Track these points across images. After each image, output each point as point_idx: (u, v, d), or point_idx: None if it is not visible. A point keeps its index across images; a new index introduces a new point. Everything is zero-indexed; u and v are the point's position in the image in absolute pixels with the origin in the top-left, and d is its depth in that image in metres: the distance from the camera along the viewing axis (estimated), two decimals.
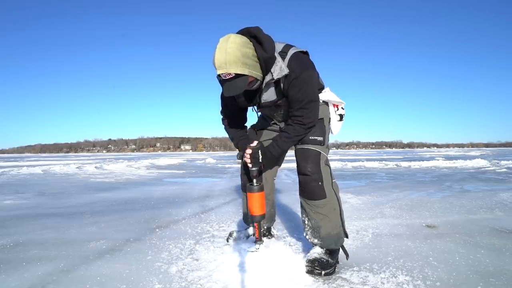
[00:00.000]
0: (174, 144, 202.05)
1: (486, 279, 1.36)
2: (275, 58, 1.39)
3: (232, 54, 1.26)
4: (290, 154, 1.96)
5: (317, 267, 1.42)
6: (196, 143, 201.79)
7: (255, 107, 1.64)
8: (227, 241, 1.90)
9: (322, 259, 1.45)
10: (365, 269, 1.47)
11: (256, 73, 1.35)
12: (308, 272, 1.42)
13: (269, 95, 1.50)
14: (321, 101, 1.61)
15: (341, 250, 1.59)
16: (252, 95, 1.52)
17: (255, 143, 1.52)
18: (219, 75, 1.32)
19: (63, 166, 10.42)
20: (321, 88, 1.63)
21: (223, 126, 1.76)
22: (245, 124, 1.77)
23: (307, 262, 1.45)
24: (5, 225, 2.39)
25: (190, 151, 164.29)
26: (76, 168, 9.77)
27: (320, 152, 1.53)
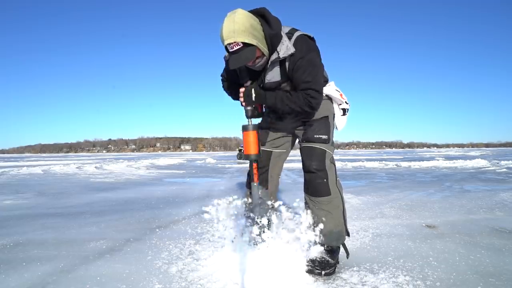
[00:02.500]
0: (174, 144, 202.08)
1: (486, 279, 1.36)
2: (281, 36, 1.38)
3: (240, 23, 1.26)
4: (292, 154, 1.96)
5: (317, 267, 1.42)
6: (196, 143, 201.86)
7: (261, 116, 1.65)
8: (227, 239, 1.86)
9: (323, 259, 1.45)
10: (365, 269, 1.47)
11: (263, 47, 1.35)
12: (308, 271, 1.42)
13: (273, 75, 1.48)
14: (324, 95, 1.59)
15: (342, 248, 1.59)
16: (256, 76, 1.51)
17: (248, 82, 1.51)
18: (226, 48, 1.32)
19: (63, 166, 10.42)
20: (325, 81, 1.62)
21: (222, 84, 1.73)
22: None
23: (307, 262, 1.46)
24: (5, 225, 2.39)
25: (190, 151, 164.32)
26: (76, 168, 9.77)
27: (326, 150, 1.53)
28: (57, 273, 1.44)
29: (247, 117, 1.50)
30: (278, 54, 1.39)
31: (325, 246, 1.52)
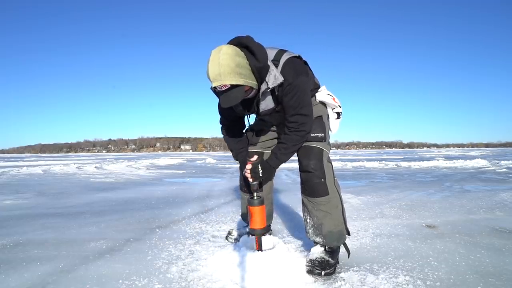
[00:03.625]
0: (174, 144, 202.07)
1: (486, 279, 1.36)
2: (268, 67, 1.38)
3: (225, 65, 1.25)
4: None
5: (317, 267, 1.42)
6: (196, 143, 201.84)
7: (255, 117, 1.66)
8: (226, 239, 1.90)
9: (323, 259, 1.45)
10: (365, 269, 1.47)
11: (252, 81, 1.34)
12: (308, 272, 1.42)
13: (267, 104, 1.49)
14: (317, 101, 1.61)
15: (342, 248, 1.59)
16: (249, 104, 1.51)
17: (255, 157, 1.53)
18: (214, 87, 1.32)
19: (63, 166, 10.42)
20: (317, 87, 1.63)
21: (222, 135, 1.77)
22: (244, 131, 1.78)
23: (307, 262, 1.46)
24: (5, 225, 2.39)
25: (190, 151, 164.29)
26: (76, 168, 9.77)
27: (323, 149, 1.54)
28: (57, 273, 1.44)
29: (253, 191, 1.50)
30: (267, 84, 1.39)
31: (326, 247, 1.52)
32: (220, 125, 1.76)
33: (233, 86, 1.29)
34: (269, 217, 1.90)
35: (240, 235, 1.89)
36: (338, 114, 1.65)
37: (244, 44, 1.34)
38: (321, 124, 1.59)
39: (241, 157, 1.71)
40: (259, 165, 1.49)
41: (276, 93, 1.44)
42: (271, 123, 1.72)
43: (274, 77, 1.37)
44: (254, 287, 1.29)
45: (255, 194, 1.48)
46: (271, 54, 1.41)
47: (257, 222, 1.44)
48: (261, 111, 1.52)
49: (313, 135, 1.54)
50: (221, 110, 1.66)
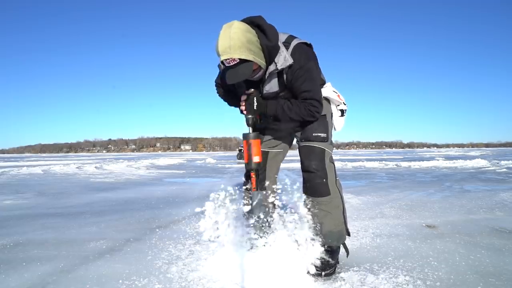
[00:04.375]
0: (174, 144, 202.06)
1: (486, 279, 1.36)
2: (279, 47, 1.36)
3: (236, 39, 1.23)
4: (290, 154, 1.96)
5: (317, 268, 1.42)
6: (196, 143, 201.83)
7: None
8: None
9: (323, 259, 1.45)
10: (365, 269, 1.47)
11: (260, 60, 1.33)
12: (308, 272, 1.42)
13: (271, 86, 1.47)
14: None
15: (342, 248, 1.59)
16: (253, 86, 1.49)
17: (251, 90, 1.48)
18: (222, 62, 1.29)
19: (63, 166, 10.42)
20: (323, 83, 1.62)
21: (217, 90, 1.69)
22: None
23: (307, 262, 1.45)
24: (5, 225, 2.39)
25: (190, 151, 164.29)
26: (76, 168, 9.77)
27: (325, 150, 1.52)
28: (57, 273, 1.44)
29: (248, 125, 1.46)
30: (276, 65, 1.37)
31: (326, 247, 1.52)
32: (215, 84, 1.67)
33: (241, 61, 1.27)
34: (272, 213, 1.89)
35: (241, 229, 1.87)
36: (342, 111, 1.64)
37: (256, 23, 1.33)
38: (324, 123, 1.57)
39: (231, 97, 1.61)
40: (254, 98, 1.43)
41: (285, 76, 1.41)
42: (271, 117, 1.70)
43: (284, 58, 1.36)
44: (254, 287, 1.29)
45: (250, 129, 1.44)
46: (282, 37, 1.41)
47: (253, 156, 1.41)
48: (264, 92, 1.49)
49: (315, 135, 1.52)
50: (222, 82, 1.60)
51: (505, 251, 1.71)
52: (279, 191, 1.89)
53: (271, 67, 1.39)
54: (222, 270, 1.42)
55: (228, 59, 1.26)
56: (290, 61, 1.35)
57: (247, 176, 1.64)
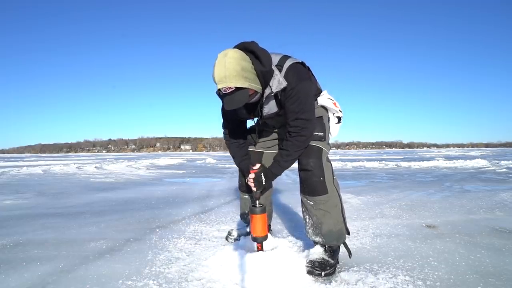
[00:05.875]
0: (174, 144, 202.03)
1: (486, 279, 1.36)
2: (273, 71, 1.40)
3: (231, 68, 1.28)
4: None
5: (317, 268, 1.42)
6: (196, 143, 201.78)
7: (257, 119, 1.67)
8: (226, 240, 1.91)
9: (323, 260, 1.45)
10: (365, 269, 1.47)
11: (256, 85, 1.37)
12: (308, 272, 1.42)
13: (270, 108, 1.51)
14: (318, 105, 1.63)
15: (342, 248, 1.59)
16: (252, 108, 1.53)
17: (257, 166, 1.55)
18: (219, 90, 1.34)
19: (63, 166, 10.42)
20: (319, 92, 1.65)
21: (225, 141, 1.77)
22: (246, 140, 1.79)
23: (307, 263, 1.45)
24: (5, 225, 2.39)
25: (190, 151, 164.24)
26: (76, 168, 9.77)
27: (322, 148, 1.54)
28: (57, 273, 1.44)
29: (256, 198, 1.51)
30: (271, 89, 1.41)
31: (326, 247, 1.52)
32: (223, 130, 1.76)
33: (237, 89, 1.32)
34: (269, 217, 1.90)
35: (240, 235, 1.89)
36: (339, 118, 1.66)
37: (249, 49, 1.37)
38: (321, 123, 1.59)
39: (244, 165, 1.71)
40: (262, 174, 1.51)
41: (279, 97, 1.45)
42: (273, 126, 1.73)
43: (277, 82, 1.40)
44: (254, 287, 1.29)
45: (257, 202, 1.49)
46: (275, 59, 1.44)
47: (259, 230, 1.46)
48: (264, 114, 1.54)
49: (313, 133, 1.55)
50: (224, 113, 1.68)
51: (505, 251, 1.71)
52: (281, 193, 1.89)
53: (267, 91, 1.43)
54: (222, 270, 1.42)
55: (224, 87, 1.31)
56: (283, 84, 1.40)
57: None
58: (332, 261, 1.47)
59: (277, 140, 1.79)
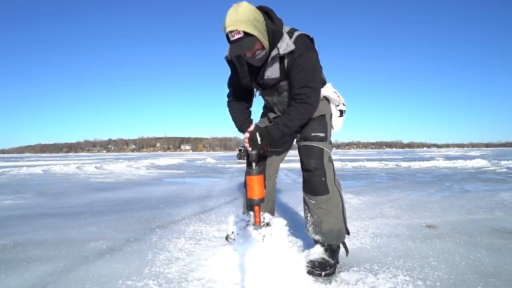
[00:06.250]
0: (174, 144, 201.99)
1: (486, 279, 1.36)
2: (282, 34, 1.41)
3: (243, 14, 1.30)
4: (291, 154, 1.96)
5: (317, 268, 1.42)
6: (196, 143, 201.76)
7: (258, 92, 1.66)
8: (226, 239, 1.91)
9: (323, 260, 1.46)
10: (365, 269, 1.47)
11: (264, 40, 1.37)
12: (309, 272, 1.42)
13: (272, 71, 1.50)
14: (321, 96, 1.60)
15: (341, 247, 1.60)
16: (256, 73, 1.53)
17: (252, 127, 1.52)
18: (227, 37, 1.34)
19: (63, 166, 10.42)
20: (323, 82, 1.64)
21: (228, 110, 1.74)
22: (250, 109, 1.75)
23: (307, 263, 1.46)
24: (5, 225, 2.39)
25: (190, 151, 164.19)
26: (76, 168, 9.77)
27: (323, 149, 1.54)
28: (57, 273, 1.44)
29: (252, 161, 1.46)
30: (279, 50, 1.41)
31: (325, 246, 1.53)
32: (227, 99, 1.74)
33: (246, 35, 1.31)
34: (270, 214, 1.90)
35: (240, 234, 1.89)
36: (341, 112, 1.65)
37: (264, 10, 1.40)
38: (323, 123, 1.59)
39: (245, 129, 1.65)
40: (257, 133, 1.47)
41: (286, 61, 1.44)
42: (275, 113, 1.72)
43: (286, 45, 1.40)
44: (254, 287, 1.29)
45: (253, 164, 1.45)
46: (286, 28, 1.46)
47: (256, 192, 1.42)
48: (265, 78, 1.52)
49: (314, 134, 1.55)
50: (231, 79, 1.68)
51: (505, 251, 1.71)
52: (281, 192, 1.90)
53: (274, 52, 1.42)
54: (222, 270, 1.42)
55: (234, 31, 1.30)
56: (292, 47, 1.39)
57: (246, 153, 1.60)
58: (332, 261, 1.47)
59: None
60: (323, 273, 1.40)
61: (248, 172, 1.46)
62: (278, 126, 1.47)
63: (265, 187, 1.63)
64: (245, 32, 1.30)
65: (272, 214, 1.94)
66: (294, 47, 1.39)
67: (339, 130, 1.70)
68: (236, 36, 1.31)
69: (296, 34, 1.43)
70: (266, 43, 1.38)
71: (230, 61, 1.60)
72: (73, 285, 1.32)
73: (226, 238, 1.95)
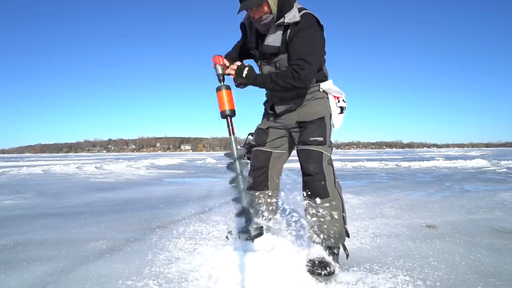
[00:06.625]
0: (174, 144, 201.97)
1: (486, 279, 1.36)
2: (292, 6, 1.46)
3: None
4: (292, 153, 1.96)
5: (317, 267, 1.42)
6: (196, 143, 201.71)
7: (258, 63, 1.69)
8: (227, 239, 1.91)
9: (323, 259, 1.46)
10: (365, 269, 1.47)
11: (273, 4, 1.43)
12: (309, 271, 1.42)
13: (274, 39, 1.53)
14: (321, 90, 1.61)
15: (341, 249, 1.59)
16: (261, 38, 1.59)
17: (238, 63, 1.55)
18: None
19: (63, 166, 10.42)
20: (325, 76, 1.64)
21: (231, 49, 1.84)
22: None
23: (308, 262, 1.46)
24: (5, 225, 2.40)
25: (190, 151, 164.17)
26: (76, 168, 9.78)
27: (323, 152, 1.53)
28: (57, 273, 1.44)
29: (220, 81, 1.52)
30: (284, 19, 1.46)
31: (325, 247, 1.52)
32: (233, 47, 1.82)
33: None
34: (274, 213, 1.92)
35: (240, 235, 1.89)
36: (342, 108, 1.64)
37: None
38: (322, 126, 1.57)
39: (230, 55, 1.76)
40: (247, 68, 1.51)
41: (288, 32, 1.47)
42: (272, 108, 1.72)
43: (292, 16, 1.45)
44: (254, 287, 1.29)
45: (223, 82, 1.51)
46: (298, 5, 1.51)
47: (226, 103, 1.45)
48: (265, 44, 1.55)
49: (312, 139, 1.54)
50: (237, 42, 1.78)
51: (505, 251, 1.71)
52: (281, 193, 1.91)
53: (279, 20, 1.47)
54: (222, 270, 1.42)
55: None
56: (297, 18, 1.44)
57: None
58: (332, 261, 1.47)
59: (285, 138, 1.76)
60: (323, 273, 1.40)
61: (218, 88, 1.47)
62: (265, 76, 1.51)
63: (267, 184, 1.67)
64: None
65: (275, 214, 1.94)
66: (299, 19, 1.44)
67: (340, 127, 1.69)
68: None
69: (305, 11, 1.48)
70: (274, 8, 1.45)
71: (242, 27, 1.69)
72: (73, 285, 1.32)
73: (227, 237, 1.95)
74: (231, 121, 1.49)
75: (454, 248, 1.78)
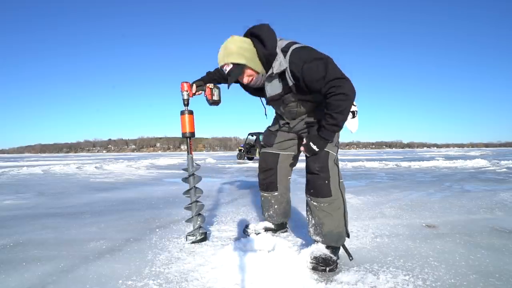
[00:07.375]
0: (174, 144, 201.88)
1: (486, 279, 1.36)
2: (276, 54, 1.45)
3: (230, 48, 1.43)
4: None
5: (321, 264, 1.44)
6: (196, 143, 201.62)
7: (264, 100, 1.74)
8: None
9: (326, 256, 1.48)
10: (365, 269, 1.47)
11: (256, 66, 1.46)
12: (313, 268, 1.45)
13: (272, 88, 1.56)
14: None
15: (342, 250, 1.61)
16: (260, 92, 1.65)
17: (304, 140, 1.53)
18: (222, 70, 1.48)
19: (63, 166, 10.42)
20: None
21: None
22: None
23: (311, 259, 1.47)
24: (5, 225, 2.39)
25: None
26: (76, 168, 9.77)
27: (329, 152, 1.54)
28: (57, 273, 1.44)
29: (185, 105, 1.82)
30: (273, 70, 1.47)
31: (325, 246, 1.54)
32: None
33: (235, 66, 1.42)
34: (285, 215, 1.98)
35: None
36: (353, 112, 1.64)
37: (255, 34, 1.46)
38: None
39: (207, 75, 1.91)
40: (310, 142, 1.47)
41: (289, 80, 1.47)
42: (283, 120, 1.77)
43: (279, 64, 1.45)
44: (254, 287, 1.29)
45: (186, 107, 1.81)
46: (282, 43, 1.48)
47: (187, 126, 1.79)
48: (268, 96, 1.61)
49: None
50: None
51: (505, 251, 1.71)
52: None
53: (269, 72, 1.50)
54: (222, 270, 1.43)
55: (224, 65, 1.45)
56: (284, 65, 1.44)
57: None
58: (335, 258, 1.50)
59: (294, 141, 1.82)
60: (327, 269, 1.43)
61: (182, 112, 1.79)
62: (325, 128, 1.43)
63: (276, 185, 1.86)
64: (233, 63, 1.42)
65: (288, 214, 2.00)
66: (287, 65, 1.43)
67: (356, 130, 1.68)
68: (227, 69, 1.44)
69: (291, 49, 1.44)
70: (259, 68, 1.48)
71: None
72: (73, 285, 1.32)
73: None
74: (190, 142, 1.80)
75: (454, 248, 1.78)
